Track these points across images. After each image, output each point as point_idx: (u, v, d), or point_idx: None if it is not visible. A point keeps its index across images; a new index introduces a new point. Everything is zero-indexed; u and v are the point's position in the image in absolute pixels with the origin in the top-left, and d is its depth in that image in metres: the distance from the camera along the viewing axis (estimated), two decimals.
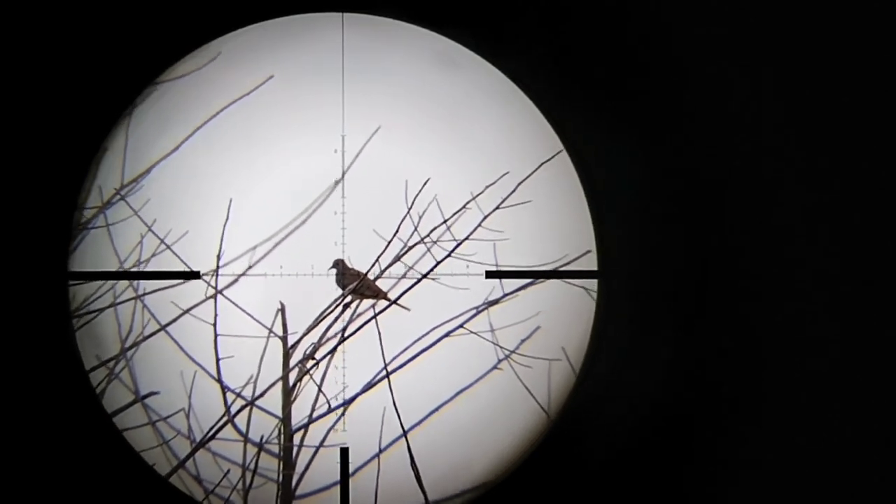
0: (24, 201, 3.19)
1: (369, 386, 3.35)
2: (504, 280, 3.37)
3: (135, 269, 3.34)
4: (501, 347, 3.37)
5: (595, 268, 3.36)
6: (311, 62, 3.40)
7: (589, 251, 3.36)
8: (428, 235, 3.37)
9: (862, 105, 3.28)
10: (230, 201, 3.34)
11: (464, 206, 3.38)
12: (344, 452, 3.35)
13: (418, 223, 3.36)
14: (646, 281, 3.29)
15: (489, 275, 3.38)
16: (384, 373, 3.34)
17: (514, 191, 3.37)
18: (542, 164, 3.37)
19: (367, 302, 3.37)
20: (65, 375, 3.21)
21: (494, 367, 3.37)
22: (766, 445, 3.24)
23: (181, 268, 3.33)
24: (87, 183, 3.32)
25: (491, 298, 3.38)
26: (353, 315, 3.37)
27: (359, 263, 3.39)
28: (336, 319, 3.38)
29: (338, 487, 3.34)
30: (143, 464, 3.27)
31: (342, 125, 3.39)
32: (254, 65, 3.39)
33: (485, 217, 3.37)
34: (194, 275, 3.35)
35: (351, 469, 3.33)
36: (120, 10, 3.23)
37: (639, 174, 3.30)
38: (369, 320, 3.36)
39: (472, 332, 3.37)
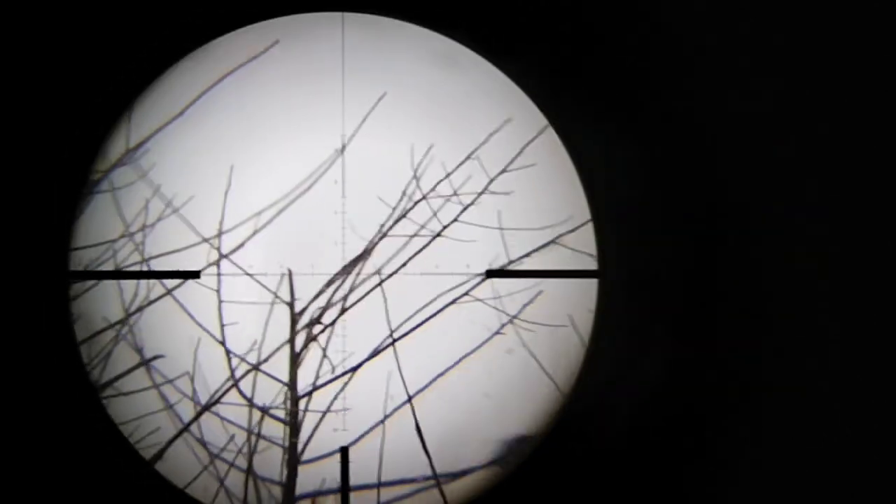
0: (24, 199, 3.20)
1: (376, 353, 3.36)
2: (508, 245, 3.38)
3: (135, 269, 3.35)
4: (505, 313, 3.38)
5: (595, 268, 3.37)
6: (311, 62, 3.41)
7: (589, 220, 3.38)
8: (432, 190, 3.38)
9: (862, 105, 3.29)
10: (231, 168, 3.35)
11: (467, 157, 3.39)
12: (344, 452, 3.35)
13: (420, 176, 3.37)
14: (645, 281, 3.29)
15: (490, 274, 3.39)
16: (390, 339, 3.34)
17: (519, 153, 3.39)
18: (546, 127, 3.38)
19: (372, 269, 3.37)
20: (65, 375, 3.22)
21: (497, 333, 3.37)
22: (766, 445, 3.24)
23: (187, 234, 3.34)
24: (86, 180, 3.34)
25: (495, 266, 3.39)
26: (356, 281, 3.37)
27: (362, 229, 3.40)
28: (341, 285, 3.38)
29: (338, 455, 3.36)
30: (142, 460, 3.28)
31: (342, 125, 3.39)
32: (254, 64, 3.40)
33: (491, 180, 3.39)
34: (194, 274, 3.36)
35: (355, 436, 3.34)
36: (121, 9, 3.24)
37: (639, 174, 3.30)
38: (375, 287, 3.37)
39: (477, 298, 3.38)
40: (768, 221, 3.27)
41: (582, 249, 3.39)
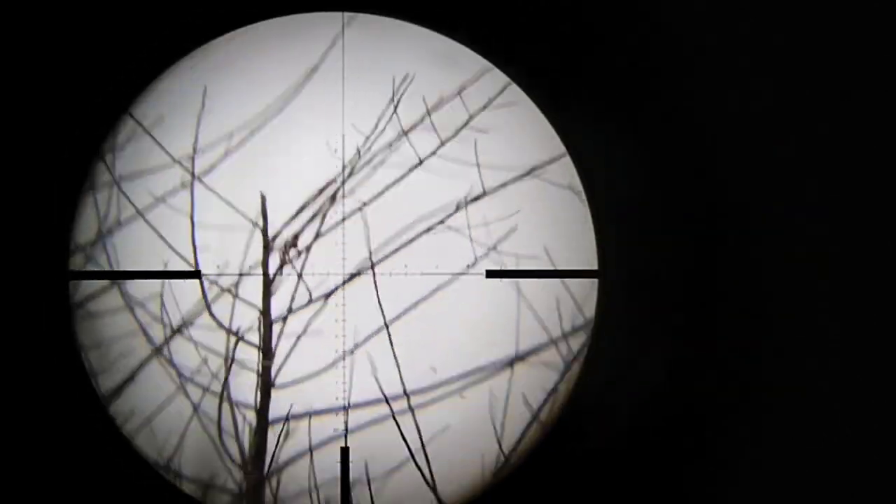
0: (24, 199, 3.20)
1: (353, 276, 3.36)
2: (483, 178, 3.38)
3: (132, 268, 3.35)
4: (480, 244, 3.38)
5: (595, 268, 3.36)
6: (311, 61, 3.40)
7: (564, 154, 3.39)
8: (415, 128, 3.38)
9: (862, 105, 3.29)
10: (205, 88, 3.35)
11: (450, 97, 3.39)
12: (344, 452, 3.35)
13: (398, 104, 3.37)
14: (645, 281, 3.29)
15: (489, 274, 3.39)
16: (369, 265, 3.34)
17: (501, 91, 3.38)
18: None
19: (350, 194, 3.36)
20: (65, 375, 3.22)
21: (472, 265, 3.38)
22: (766, 445, 3.24)
23: (160, 155, 3.34)
24: (87, 182, 3.33)
25: (472, 196, 3.39)
26: (331, 205, 3.36)
27: (340, 152, 3.39)
28: (318, 210, 3.38)
29: (316, 380, 3.36)
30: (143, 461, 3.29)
31: (342, 125, 3.39)
32: (254, 64, 3.40)
33: (472, 116, 3.38)
34: (195, 274, 3.36)
35: (330, 360, 3.34)
36: (121, 9, 3.24)
37: (639, 174, 3.30)
38: (354, 211, 3.36)
39: (451, 228, 3.38)
40: (768, 221, 3.27)
41: (559, 182, 3.38)
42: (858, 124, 3.28)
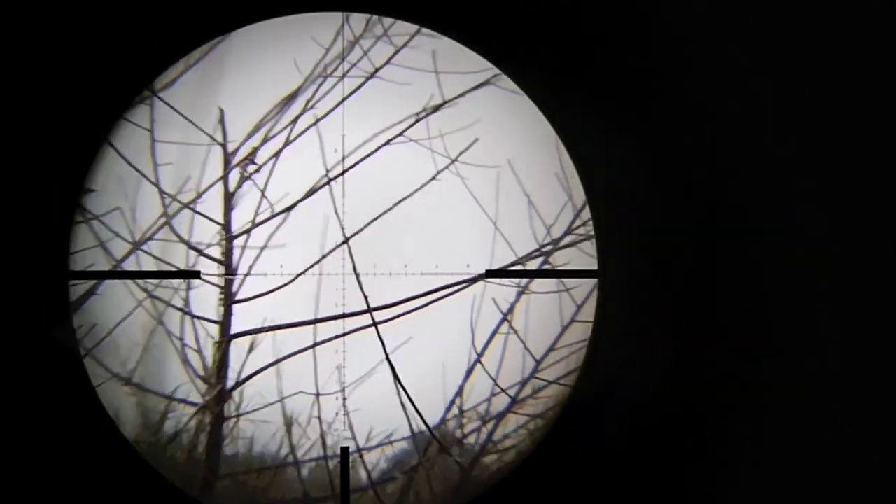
0: (24, 199, 3.20)
1: (312, 192, 3.35)
2: (444, 87, 3.35)
3: (135, 270, 3.35)
4: (442, 155, 3.37)
5: (595, 268, 3.37)
6: (311, 61, 3.41)
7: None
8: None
9: (863, 105, 3.29)
10: None
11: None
12: (344, 452, 3.35)
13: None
14: (645, 281, 3.29)
15: (489, 274, 3.39)
16: (325, 180, 3.34)
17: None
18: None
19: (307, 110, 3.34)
20: (65, 374, 3.22)
21: (433, 178, 3.37)
22: (766, 445, 3.24)
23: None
24: (87, 182, 3.34)
25: (431, 105, 3.37)
26: (294, 122, 3.36)
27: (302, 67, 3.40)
28: (276, 125, 3.38)
29: (278, 294, 3.36)
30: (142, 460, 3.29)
31: (342, 125, 3.40)
32: (255, 64, 3.40)
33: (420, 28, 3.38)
34: (195, 274, 3.36)
35: (292, 277, 3.34)
36: (122, 8, 3.24)
37: (639, 174, 3.30)
38: (311, 125, 3.35)
39: (411, 139, 3.37)
40: (768, 221, 3.27)
41: (514, 90, 3.36)
42: (859, 124, 3.28)
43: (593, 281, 3.37)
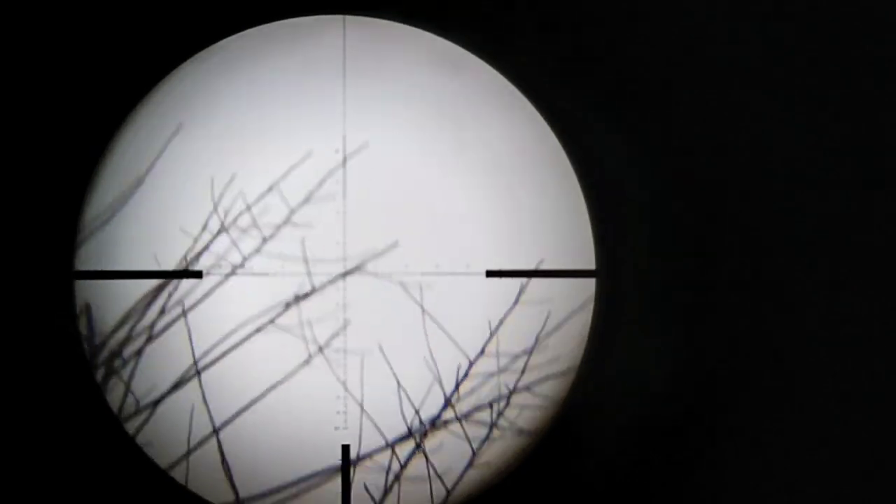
0: (29, 200, 3.24)
1: (180, 383, 3.31)
2: (313, 275, 3.35)
3: (138, 269, 3.38)
4: (312, 342, 3.34)
5: (595, 268, 3.36)
6: (312, 64, 3.42)
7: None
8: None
9: (863, 105, 3.27)
10: None
11: (267, 190, 3.35)
12: (345, 451, 3.36)
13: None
14: (645, 281, 3.29)
15: (489, 273, 3.39)
16: (194, 370, 3.31)
17: (320, 184, 3.37)
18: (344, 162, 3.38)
19: (177, 296, 3.31)
20: (68, 373, 3.25)
21: (305, 364, 3.34)
22: (766, 445, 3.23)
23: None
24: (92, 184, 3.36)
25: (301, 293, 3.35)
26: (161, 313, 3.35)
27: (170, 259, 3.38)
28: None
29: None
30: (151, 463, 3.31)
31: (343, 126, 3.40)
32: (256, 66, 3.42)
33: (293, 211, 3.37)
34: (196, 274, 3.38)
35: (164, 465, 3.30)
36: (124, 11, 3.27)
37: (639, 174, 3.30)
38: (179, 316, 3.32)
39: (281, 328, 3.32)
40: (768, 221, 3.26)
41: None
42: (859, 124, 3.26)
43: (593, 281, 3.36)
